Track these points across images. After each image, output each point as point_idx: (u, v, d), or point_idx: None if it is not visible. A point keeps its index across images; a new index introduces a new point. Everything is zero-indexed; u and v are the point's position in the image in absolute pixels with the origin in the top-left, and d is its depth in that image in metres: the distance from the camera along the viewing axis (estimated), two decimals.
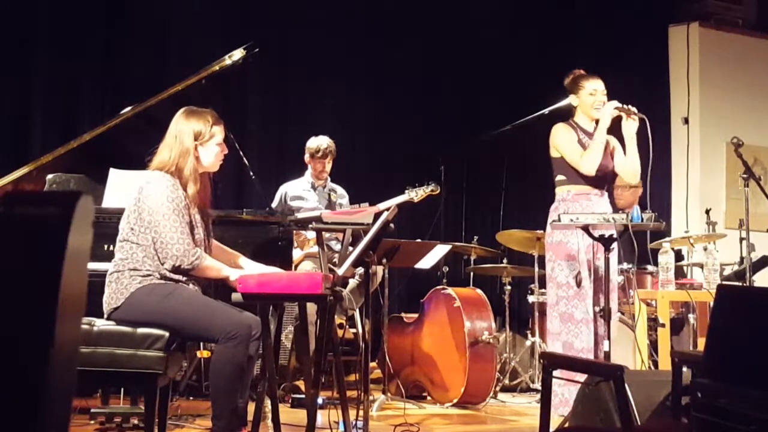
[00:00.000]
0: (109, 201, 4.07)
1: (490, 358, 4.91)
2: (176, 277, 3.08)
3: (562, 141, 4.20)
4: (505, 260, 5.84)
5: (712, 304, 2.72)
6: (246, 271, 3.21)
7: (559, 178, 4.20)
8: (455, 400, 4.84)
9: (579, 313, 4.02)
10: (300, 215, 4.57)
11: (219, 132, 3.25)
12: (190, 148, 3.18)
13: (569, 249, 4.07)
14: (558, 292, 4.10)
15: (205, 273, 3.14)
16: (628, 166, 4.17)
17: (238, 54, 4.25)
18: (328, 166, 5.28)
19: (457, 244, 5.75)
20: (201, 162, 3.22)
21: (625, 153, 4.16)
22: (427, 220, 6.16)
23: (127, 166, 4.10)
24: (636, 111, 4.07)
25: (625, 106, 4.07)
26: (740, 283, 4.63)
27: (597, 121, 4.15)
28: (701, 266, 4.74)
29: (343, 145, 5.52)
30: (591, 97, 4.17)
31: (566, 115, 4.42)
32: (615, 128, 4.15)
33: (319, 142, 5.26)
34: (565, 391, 3.94)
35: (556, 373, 2.38)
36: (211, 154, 3.24)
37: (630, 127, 4.07)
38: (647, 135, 4.05)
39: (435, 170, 5.75)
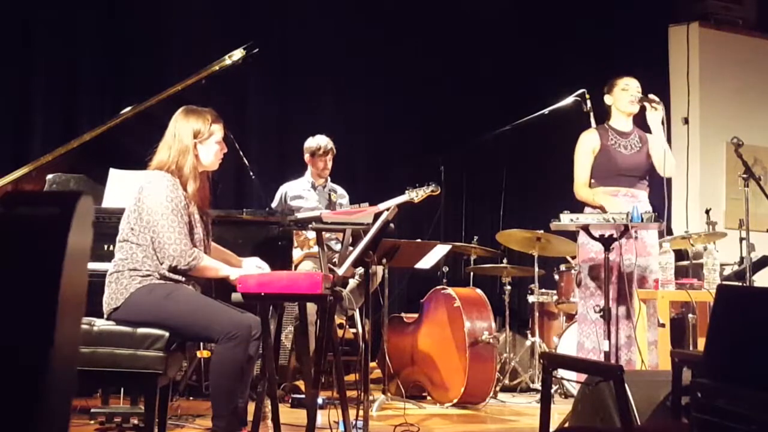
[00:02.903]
0: (109, 201, 4.07)
1: (490, 358, 4.90)
2: (176, 277, 3.08)
3: (577, 153, 4.29)
4: (505, 260, 5.84)
5: (712, 304, 2.72)
6: (244, 270, 3.20)
7: (591, 180, 4.31)
8: (455, 400, 4.84)
9: (592, 314, 4.06)
10: (300, 215, 4.57)
11: (218, 130, 3.25)
12: (189, 147, 3.18)
13: (587, 251, 4.15)
14: (579, 293, 4.22)
15: (203, 273, 3.14)
16: (664, 159, 4.17)
17: (238, 54, 4.25)
18: (330, 164, 5.31)
19: (457, 244, 5.75)
20: (200, 160, 3.22)
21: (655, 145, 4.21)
22: (427, 220, 6.16)
23: (127, 166, 4.10)
24: (657, 99, 4.11)
25: (647, 96, 4.13)
26: (740, 283, 4.62)
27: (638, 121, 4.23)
28: (701, 266, 4.73)
29: (342, 145, 5.52)
30: (624, 92, 4.22)
31: (566, 115, 4.44)
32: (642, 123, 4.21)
33: (318, 140, 5.29)
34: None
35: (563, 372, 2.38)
36: (211, 153, 3.24)
37: (655, 117, 4.12)
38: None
39: (435, 170, 5.75)
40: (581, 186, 4.23)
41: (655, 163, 4.25)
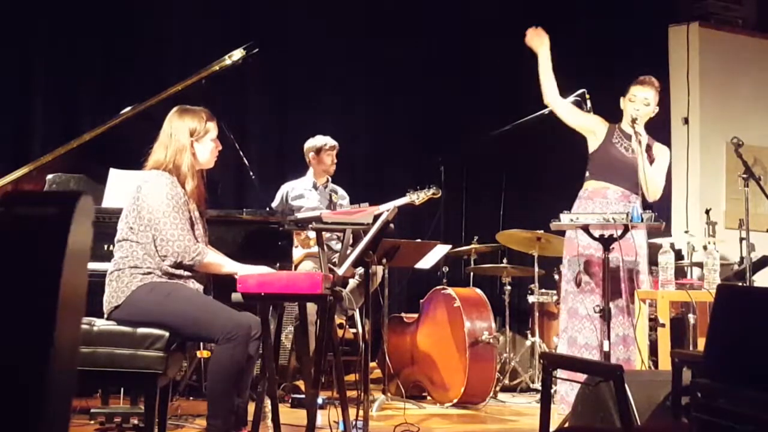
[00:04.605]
0: (109, 201, 4.07)
1: (490, 358, 4.90)
2: (178, 272, 3.08)
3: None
4: (505, 260, 5.84)
5: (712, 304, 2.72)
6: (248, 266, 3.20)
7: (587, 173, 4.27)
8: (455, 400, 4.84)
9: (583, 309, 4.06)
10: (300, 215, 4.57)
11: (213, 128, 3.27)
12: (186, 145, 3.19)
13: (576, 246, 4.12)
14: (567, 287, 4.17)
15: (207, 269, 3.15)
16: (645, 187, 4.14)
17: (238, 54, 4.25)
18: (335, 159, 5.34)
19: (457, 247, 5.75)
20: (197, 158, 3.24)
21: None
22: (427, 220, 6.16)
23: (127, 166, 4.10)
24: (641, 133, 4.05)
25: (634, 125, 4.08)
26: (740, 283, 4.62)
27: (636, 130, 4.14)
28: (701, 266, 4.73)
29: (343, 145, 5.53)
30: (629, 104, 4.17)
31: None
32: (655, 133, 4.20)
33: (323, 138, 5.35)
34: (568, 389, 3.95)
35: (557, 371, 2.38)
36: (207, 150, 3.26)
37: (635, 145, 4.09)
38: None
39: (435, 171, 5.74)
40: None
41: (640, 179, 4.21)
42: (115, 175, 4.17)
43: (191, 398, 4.58)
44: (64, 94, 5.70)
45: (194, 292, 3.11)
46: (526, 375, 5.54)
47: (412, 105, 6.69)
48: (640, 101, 4.15)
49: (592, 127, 4.26)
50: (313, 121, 5.88)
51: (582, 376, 3.18)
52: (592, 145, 4.27)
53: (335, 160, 5.36)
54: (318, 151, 5.33)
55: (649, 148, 4.22)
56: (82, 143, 4.23)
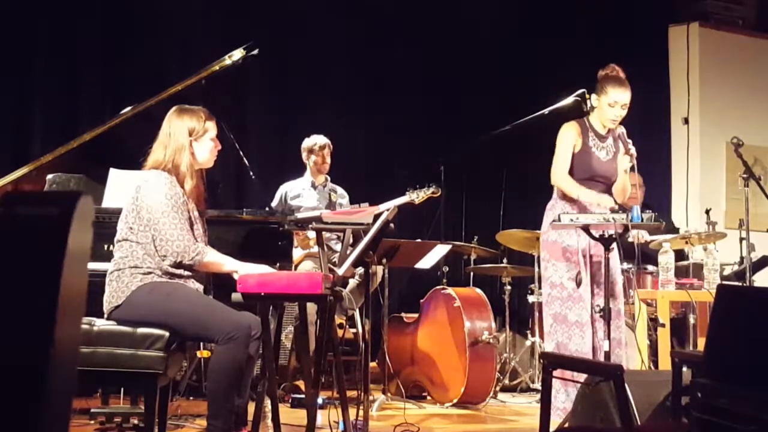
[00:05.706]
0: (109, 201, 4.07)
1: (490, 358, 4.90)
2: (178, 272, 3.08)
3: (559, 142, 4.17)
4: (505, 260, 5.84)
5: (712, 304, 2.72)
6: (249, 265, 3.20)
7: None
8: (455, 400, 4.84)
9: (573, 315, 4.01)
10: (300, 215, 4.57)
11: (212, 127, 3.27)
12: (185, 144, 3.19)
13: (564, 248, 4.08)
14: (552, 292, 4.09)
15: (207, 268, 3.15)
16: (617, 191, 4.17)
17: (238, 54, 4.25)
18: (328, 158, 5.39)
19: (457, 243, 5.75)
20: (196, 158, 3.24)
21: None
22: (427, 220, 6.16)
23: (127, 166, 4.10)
24: (633, 152, 4.01)
25: (628, 141, 4.03)
26: (740, 283, 4.63)
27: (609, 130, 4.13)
28: (702, 266, 4.73)
29: (343, 145, 5.53)
30: (609, 108, 4.07)
31: (566, 115, 4.41)
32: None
33: (314, 138, 5.40)
34: (562, 395, 3.94)
35: (556, 373, 2.38)
36: (206, 150, 3.26)
37: (623, 161, 4.06)
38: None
39: (435, 170, 5.74)
40: (564, 175, 4.11)
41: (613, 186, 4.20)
42: (115, 175, 4.17)
43: (191, 398, 4.58)
44: (64, 94, 5.70)
45: (194, 292, 3.11)
46: (526, 375, 5.54)
47: (412, 105, 6.68)
48: (620, 106, 4.07)
49: (574, 148, 4.16)
50: (313, 121, 5.88)
51: (581, 378, 3.19)
52: None
53: (327, 159, 5.37)
54: (310, 150, 5.37)
55: (617, 147, 4.19)
56: (82, 143, 4.23)
